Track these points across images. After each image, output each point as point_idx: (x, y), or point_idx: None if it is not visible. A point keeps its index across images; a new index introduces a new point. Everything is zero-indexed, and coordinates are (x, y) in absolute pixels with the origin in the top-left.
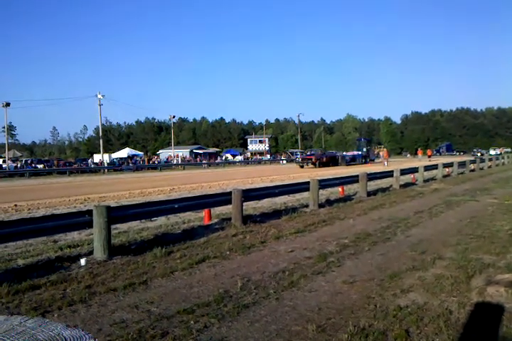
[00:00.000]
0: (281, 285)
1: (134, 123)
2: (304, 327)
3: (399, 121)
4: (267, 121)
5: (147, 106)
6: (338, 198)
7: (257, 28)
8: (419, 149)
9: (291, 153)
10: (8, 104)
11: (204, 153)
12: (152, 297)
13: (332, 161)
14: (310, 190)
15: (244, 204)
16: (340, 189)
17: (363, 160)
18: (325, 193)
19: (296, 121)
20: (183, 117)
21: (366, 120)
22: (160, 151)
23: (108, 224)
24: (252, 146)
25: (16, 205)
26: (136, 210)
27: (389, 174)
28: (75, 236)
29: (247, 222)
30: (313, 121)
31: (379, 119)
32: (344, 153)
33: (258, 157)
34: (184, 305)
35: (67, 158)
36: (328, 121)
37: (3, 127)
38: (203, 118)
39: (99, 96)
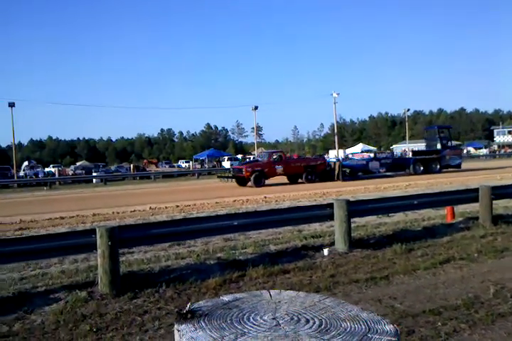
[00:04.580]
0: None
1: (367, 119)
2: None
3: None
4: None
5: (381, 101)
6: None
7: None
8: None
9: None
10: (256, 108)
11: None
12: (394, 293)
13: (311, 173)
14: None
15: (494, 202)
16: None
17: (419, 168)
18: None
19: None
20: (417, 110)
21: None
22: (393, 146)
23: (348, 217)
24: (500, 138)
25: (265, 197)
26: (374, 205)
27: None
28: (316, 228)
29: (497, 222)
30: None
31: None
32: (352, 156)
33: (508, 150)
34: (429, 305)
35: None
36: None
37: (252, 128)
38: (440, 109)
39: (334, 94)
